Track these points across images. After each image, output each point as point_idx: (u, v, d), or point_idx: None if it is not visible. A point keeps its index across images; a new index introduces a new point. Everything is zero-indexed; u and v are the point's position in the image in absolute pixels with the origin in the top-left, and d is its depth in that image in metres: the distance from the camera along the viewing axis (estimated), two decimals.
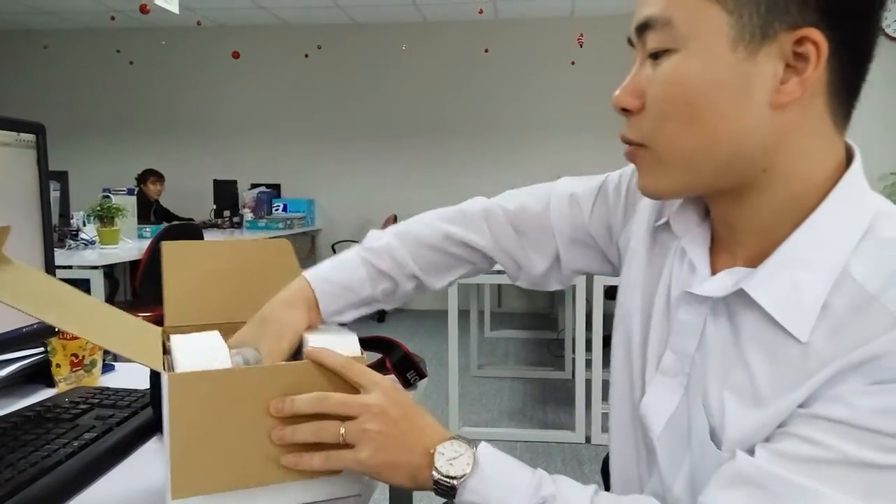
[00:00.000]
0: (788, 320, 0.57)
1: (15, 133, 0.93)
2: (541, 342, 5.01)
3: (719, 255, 0.68)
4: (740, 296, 0.61)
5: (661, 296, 0.72)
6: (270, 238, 0.98)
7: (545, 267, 0.90)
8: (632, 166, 0.76)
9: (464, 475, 0.62)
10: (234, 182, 5.90)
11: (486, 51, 6.12)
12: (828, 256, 0.57)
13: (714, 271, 0.66)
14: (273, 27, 6.52)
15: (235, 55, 5.81)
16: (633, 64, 0.63)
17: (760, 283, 0.59)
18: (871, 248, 0.56)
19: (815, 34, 0.55)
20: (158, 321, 0.80)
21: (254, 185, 5.92)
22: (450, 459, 0.63)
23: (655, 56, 0.60)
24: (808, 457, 0.53)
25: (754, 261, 0.62)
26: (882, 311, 0.53)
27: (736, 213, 0.63)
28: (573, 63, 5.91)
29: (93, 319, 0.67)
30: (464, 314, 3.29)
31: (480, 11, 5.66)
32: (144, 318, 0.80)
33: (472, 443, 0.65)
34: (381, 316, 5.95)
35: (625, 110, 0.63)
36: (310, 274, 0.85)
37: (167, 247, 0.83)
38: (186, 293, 0.82)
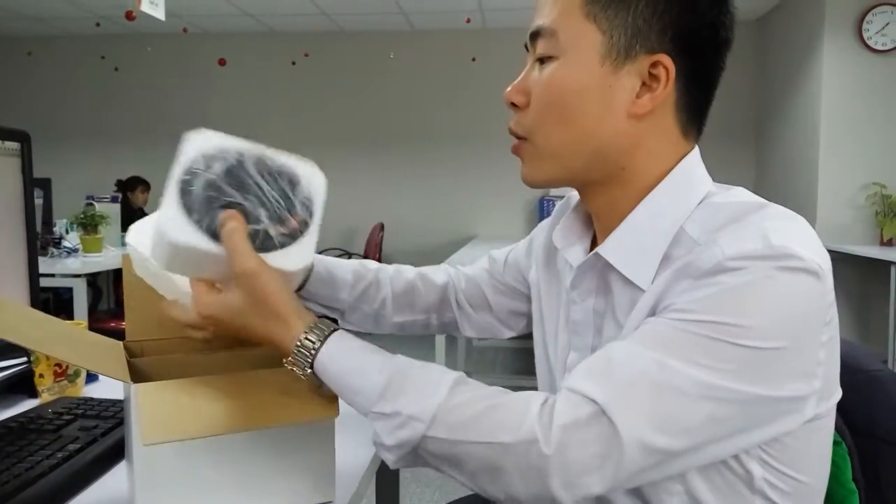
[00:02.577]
0: (632, 272, 0.69)
1: (0, 141, 0.92)
2: (528, 351, 4.98)
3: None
4: (608, 270, 0.72)
5: (559, 308, 0.82)
6: None
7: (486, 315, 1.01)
8: (539, 227, 0.95)
9: (322, 342, 0.66)
10: None
11: (474, 59, 6.14)
12: (664, 222, 0.69)
13: None
14: (260, 34, 6.51)
15: (222, 62, 5.79)
16: (526, 66, 0.73)
17: (610, 247, 0.71)
18: (702, 212, 0.68)
19: (667, 60, 0.67)
20: None
21: None
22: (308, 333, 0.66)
23: (541, 61, 0.71)
24: (638, 337, 0.63)
25: None
26: (700, 247, 0.64)
27: (603, 203, 0.74)
28: None
29: (60, 339, 0.67)
30: None
31: (468, 20, 5.68)
32: None
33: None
34: None
35: (513, 105, 0.73)
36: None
37: (128, 259, 0.82)
38: (147, 307, 0.81)
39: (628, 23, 0.67)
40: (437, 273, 1.01)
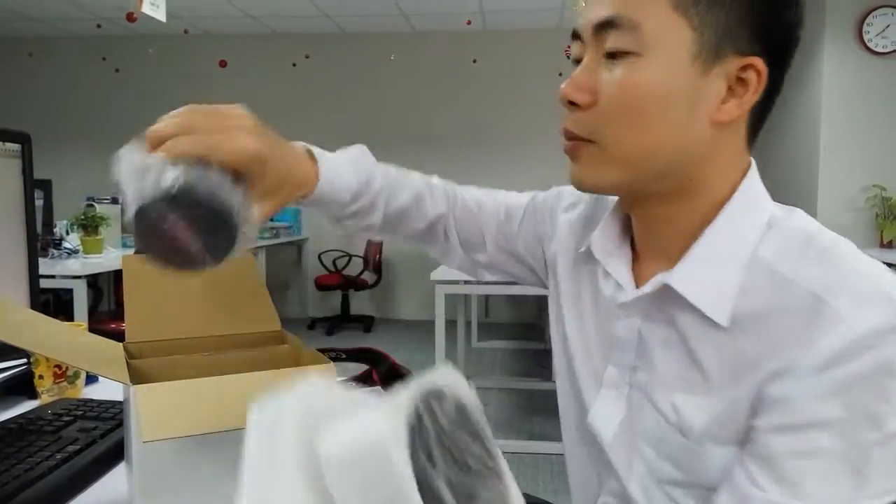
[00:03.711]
0: (709, 307, 0.63)
1: (0, 143, 0.92)
2: (528, 352, 5.01)
3: (641, 269, 0.72)
4: (671, 299, 0.65)
5: (592, 316, 0.77)
6: None
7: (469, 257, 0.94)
8: (555, 190, 0.89)
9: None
10: None
11: (475, 61, 6.15)
12: (737, 248, 0.64)
13: (639, 285, 0.71)
14: (261, 36, 6.52)
15: (223, 64, 5.80)
16: (583, 58, 0.65)
17: (682, 278, 0.64)
18: (776, 236, 0.63)
19: (759, 63, 0.61)
20: None
21: None
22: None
23: (613, 56, 0.62)
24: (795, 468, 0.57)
25: (676, 263, 0.68)
26: (798, 290, 0.59)
27: (659, 216, 0.68)
28: (561, 74, 5.94)
29: (60, 340, 0.67)
30: (451, 324, 3.29)
31: (469, 22, 5.68)
32: None
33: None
34: (367, 326, 5.93)
35: (572, 104, 0.65)
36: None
37: (128, 260, 0.82)
38: (147, 308, 0.81)
39: (721, 19, 0.60)
40: (437, 200, 0.91)
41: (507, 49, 6.26)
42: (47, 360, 1.00)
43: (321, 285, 5.84)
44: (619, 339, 0.72)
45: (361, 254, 5.97)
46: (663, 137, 0.62)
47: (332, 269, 5.83)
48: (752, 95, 0.62)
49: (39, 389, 1.01)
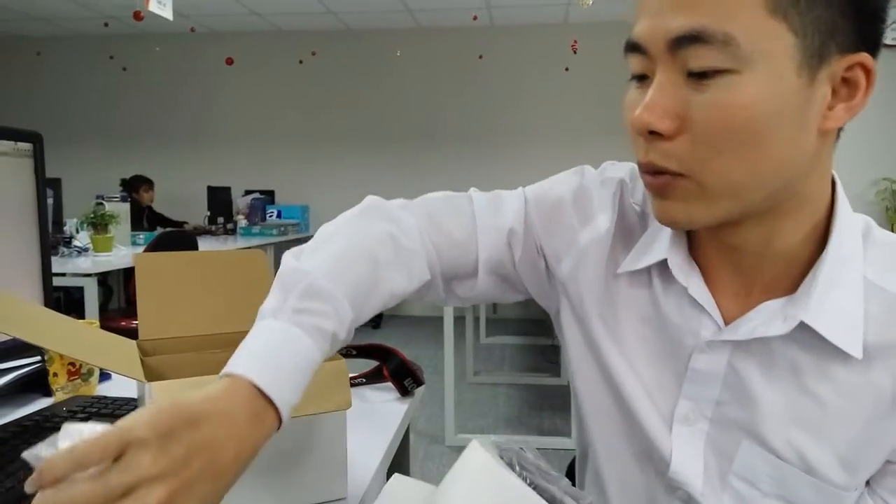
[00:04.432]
0: (846, 343, 0.58)
1: (12, 142, 0.93)
2: (536, 348, 5.01)
3: (715, 293, 0.65)
4: (791, 334, 0.60)
5: (640, 344, 0.69)
6: (244, 249, 0.99)
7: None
8: (551, 196, 0.75)
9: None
10: (228, 189, 5.89)
11: (481, 57, 6.14)
12: (851, 272, 0.60)
13: (721, 311, 0.64)
14: (267, 33, 6.52)
15: (229, 62, 5.81)
16: (648, 74, 0.57)
17: (817, 313, 0.58)
18: (877, 254, 0.61)
19: (868, 60, 0.54)
20: None
21: (247, 192, 5.91)
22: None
23: (701, 75, 0.53)
24: None
25: (781, 288, 0.62)
26: (890, 297, 0.58)
27: (754, 237, 0.60)
28: (567, 69, 5.93)
29: (75, 338, 0.68)
30: (459, 320, 3.30)
31: (475, 18, 5.67)
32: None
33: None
34: (376, 322, 5.94)
35: (653, 133, 0.55)
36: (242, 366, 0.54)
37: (140, 259, 0.83)
38: (160, 306, 0.82)
39: (823, 17, 0.52)
40: (415, 270, 0.71)
41: (513, 44, 6.25)
42: (61, 357, 1.01)
43: None
44: (695, 373, 0.65)
45: None
46: (775, 160, 0.54)
47: None
48: (863, 96, 0.55)
49: (54, 387, 1.02)
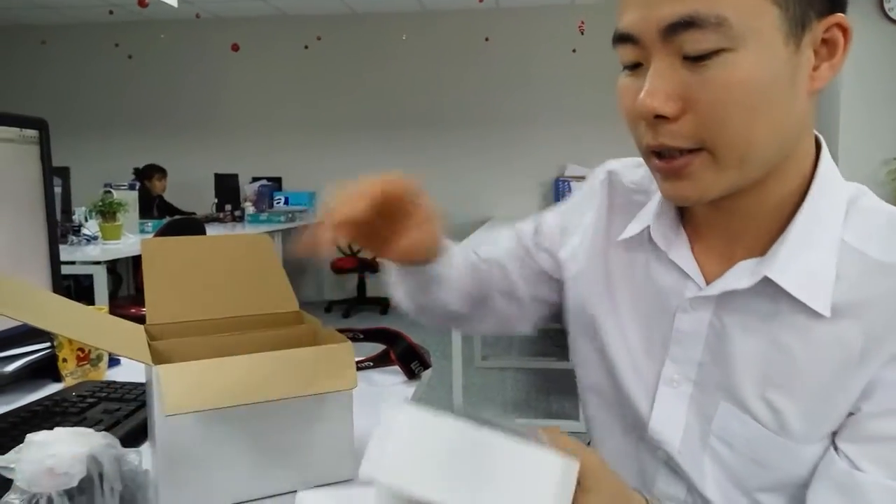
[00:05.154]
0: (812, 299, 0.60)
1: (18, 129, 0.93)
2: (544, 332, 4.98)
3: (704, 258, 0.68)
4: (761, 289, 0.62)
5: (632, 310, 0.73)
6: (250, 234, 0.99)
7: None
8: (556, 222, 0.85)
9: None
10: (236, 176, 5.89)
11: (487, 39, 6.10)
12: (826, 233, 0.61)
13: (704, 273, 0.67)
14: (272, 19, 6.50)
15: (235, 48, 5.80)
16: (640, 62, 0.59)
17: (781, 268, 0.61)
18: (859, 219, 0.62)
19: (843, 19, 0.58)
20: None
21: (255, 179, 5.91)
22: None
23: (698, 58, 0.55)
24: None
25: (759, 248, 0.64)
26: (864, 259, 0.60)
27: (748, 203, 0.63)
28: (574, 51, 5.88)
29: (83, 323, 0.68)
30: None
31: (480, 0, 5.63)
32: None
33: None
34: (384, 308, 5.96)
35: (658, 117, 0.58)
36: None
37: (146, 244, 0.83)
38: (167, 291, 0.82)
39: None
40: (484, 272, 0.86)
41: (519, 27, 6.20)
42: (70, 343, 1.02)
43: (337, 268, 5.87)
44: (680, 333, 0.68)
45: None
46: (774, 125, 0.58)
47: (348, 251, 5.85)
48: (842, 54, 0.59)
49: (63, 372, 1.02)
